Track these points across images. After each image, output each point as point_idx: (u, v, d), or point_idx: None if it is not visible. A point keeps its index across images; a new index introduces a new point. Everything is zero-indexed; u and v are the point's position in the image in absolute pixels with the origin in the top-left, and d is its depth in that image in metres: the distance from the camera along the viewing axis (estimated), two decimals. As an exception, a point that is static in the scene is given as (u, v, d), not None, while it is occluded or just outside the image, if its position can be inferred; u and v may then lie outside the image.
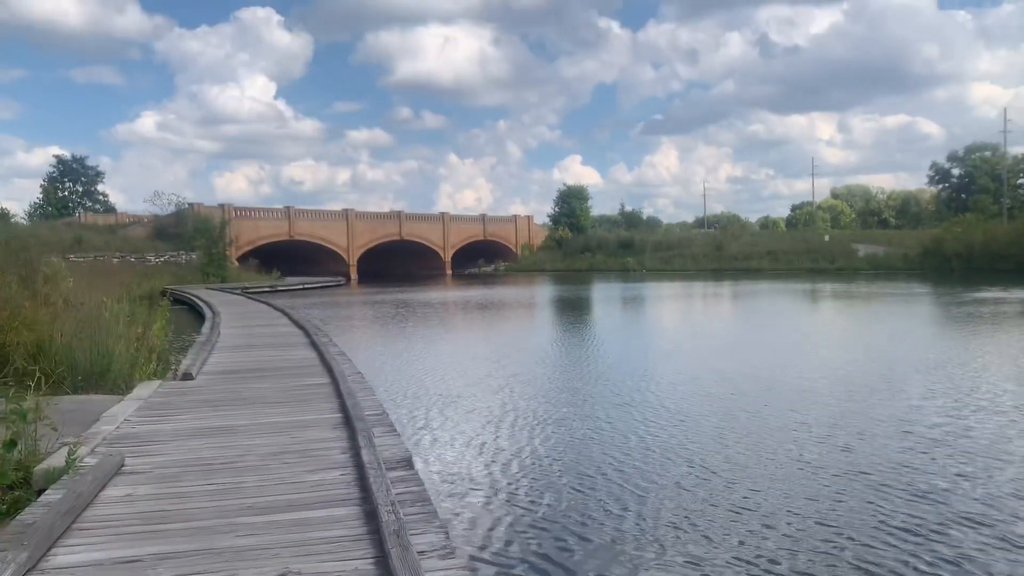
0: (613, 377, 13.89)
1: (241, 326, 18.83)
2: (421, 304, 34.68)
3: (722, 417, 10.26)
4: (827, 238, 69.01)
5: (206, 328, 18.13)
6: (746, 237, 78.92)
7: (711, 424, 9.89)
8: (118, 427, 7.20)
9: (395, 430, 7.06)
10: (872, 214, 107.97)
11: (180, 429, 7.19)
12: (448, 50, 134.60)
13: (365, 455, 5.68)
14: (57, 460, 5.63)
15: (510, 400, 11.75)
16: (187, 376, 10.13)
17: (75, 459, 5.53)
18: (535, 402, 11.61)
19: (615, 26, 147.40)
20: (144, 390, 9.20)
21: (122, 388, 9.30)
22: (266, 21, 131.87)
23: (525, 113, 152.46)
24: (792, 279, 51.07)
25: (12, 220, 55.91)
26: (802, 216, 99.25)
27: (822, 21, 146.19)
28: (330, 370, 10.50)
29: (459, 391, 12.55)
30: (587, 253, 76.44)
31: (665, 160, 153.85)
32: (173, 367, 10.43)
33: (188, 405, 8.41)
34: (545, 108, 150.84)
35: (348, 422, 7.13)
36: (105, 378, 9.20)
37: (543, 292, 44.05)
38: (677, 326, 24.74)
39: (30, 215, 61.34)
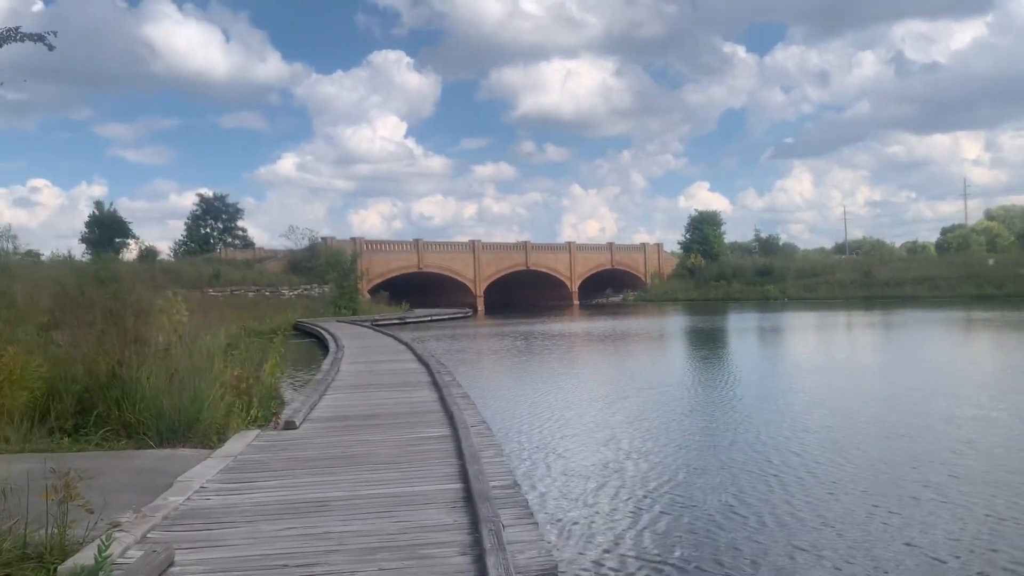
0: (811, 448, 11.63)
1: (363, 361, 17.71)
2: (548, 336, 33.00)
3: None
4: (992, 262, 62.70)
5: (327, 363, 17.10)
6: (895, 262, 73.09)
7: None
8: (189, 497, 5.79)
9: (530, 514, 5.30)
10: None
11: (262, 503, 5.70)
12: (570, 83, 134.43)
13: (492, 565, 3.94)
14: (89, 554, 4.19)
15: (667, 470, 9.61)
16: (289, 425, 8.78)
17: (107, 557, 4.06)
18: (704, 478, 9.32)
19: (740, 51, 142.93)
20: (237, 443, 7.88)
21: (213, 441, 8.01)
22: (397, 63, 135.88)
23: (649, 142, 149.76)
24: (958, 307, 46.18)
25: (159, 257, 58.51)
26: (955, 239, 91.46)
27: (963, 35, 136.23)
28: (451, 418, 8.90)
29: (601, 453, 10.62)
30: (722, 281, 72.71)
31: (798, 185, 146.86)
32: (275, 413, 9.12)
33: (282, 465, 6.97)
34: (670, 136, 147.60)
35: (470, 499, 5.43)
36: (194, 429, 7.95)
37: (678, 324, 41.44)
38: (846, 365, 21.90)
39: (175, 252, 64.16)
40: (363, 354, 19.79)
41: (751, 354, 24.47)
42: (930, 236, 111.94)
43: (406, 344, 21.98)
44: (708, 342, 30.29)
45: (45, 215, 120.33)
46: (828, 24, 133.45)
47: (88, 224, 61.60)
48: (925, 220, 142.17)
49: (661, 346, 28.95)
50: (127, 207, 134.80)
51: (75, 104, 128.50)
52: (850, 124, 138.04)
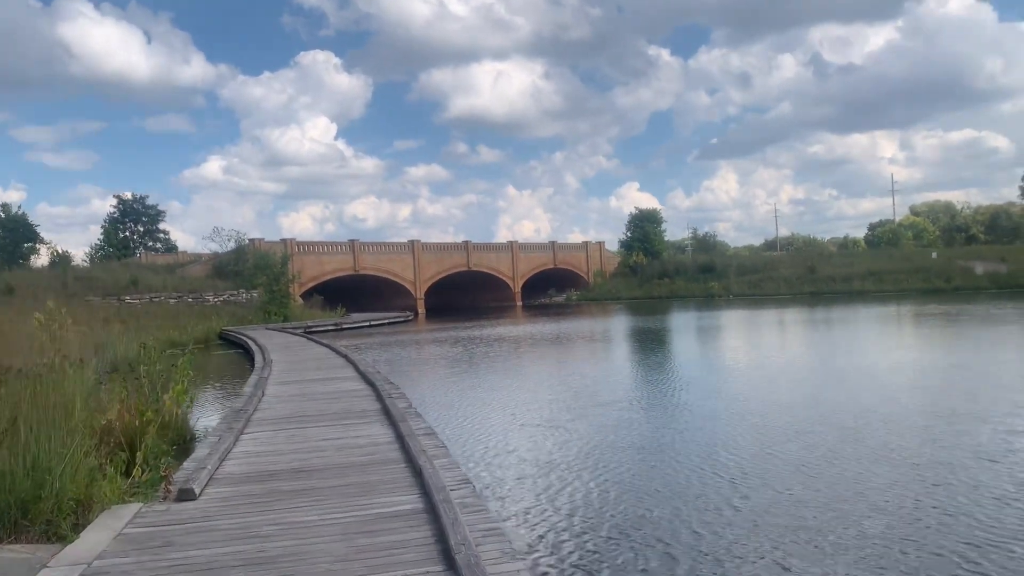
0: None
1: (295, 380, 14.95)
2: (498, 341, 30.54)
3: None
4: (935, 255, 62.74)
5: (249, 385, 14.26)
6: (838, 257, 72.97)
7: None
8: None
9: None
10: (959, 230, 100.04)
11: None
12: (501, 85, 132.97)
13: None
14: None
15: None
16: (185, 495, 6.11)
17: None
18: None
19: (665, 54, 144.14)
20: (99, 533, 5.21)
21: (64, 528, 5.30)
22: (325, 64, 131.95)
23: (580, 143, 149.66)
24: (913, 300, 45.42)
25: (72, 264, 54.00)
26: (884, 234, 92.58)
27: (876, 39, 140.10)
28: (420, 475, 6.36)
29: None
30: (665, 279, 71.36)
31: (724, 184, 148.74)
32: (165, 474, 6.41)
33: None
34: (600, 137, 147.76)
35: None
36: (34, 512, 5.24)
37: (630, 324, 39.41)
38: (824, 369, 19.97)
39: (91, 257, 59.52)
40: (294, 370, 16.98)
41: (715, 360, 22.41)
42: (852, 232, 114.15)
43: (345, 356, 19.22)
44: (661, 346, 28.25)
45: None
46: (749, 27, 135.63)
47: (-11, 227, 56.60)
48: (847, 217, 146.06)
49: (616, 355, 26.78)
50: (46, 213, 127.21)
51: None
52: (773, 125, 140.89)
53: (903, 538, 6.46)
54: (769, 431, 11.12)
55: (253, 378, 15.55)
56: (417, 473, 6.49)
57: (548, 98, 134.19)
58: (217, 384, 19.90)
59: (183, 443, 10.91)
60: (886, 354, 21.03)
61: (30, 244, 57.27)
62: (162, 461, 6.73)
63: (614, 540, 6.63)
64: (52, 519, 5.35)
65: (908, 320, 34.07)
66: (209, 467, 6.92)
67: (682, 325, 37.09)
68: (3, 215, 56.96)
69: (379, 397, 11.46)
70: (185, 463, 7.42)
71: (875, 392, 14.38)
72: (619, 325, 38.91)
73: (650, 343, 28.68)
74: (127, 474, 6.69)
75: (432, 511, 5.39)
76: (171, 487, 6.24)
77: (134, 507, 5.87)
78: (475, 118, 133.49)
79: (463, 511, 5.29)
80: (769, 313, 42.16)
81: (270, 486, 6.54)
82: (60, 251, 55.05)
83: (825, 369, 18.62)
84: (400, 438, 8.09)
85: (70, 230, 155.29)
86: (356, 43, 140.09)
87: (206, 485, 6.51)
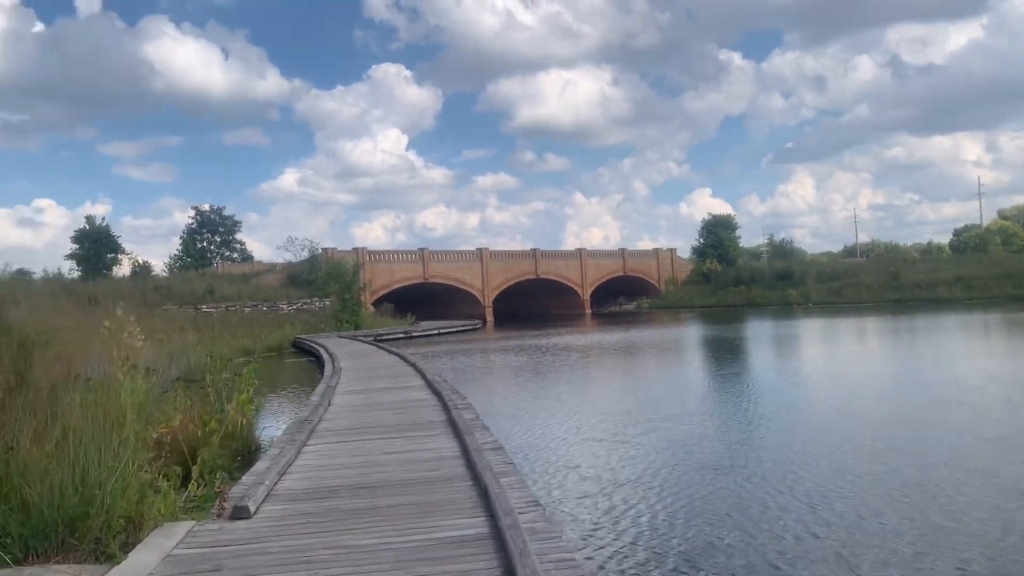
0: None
1: (362, 389, 14.73)
2: (566, 350, 29.97)
3: None
4: (1029, 260, 59.56)
5: (317, 394, 14.08)
6: (923, 263, 69.87)
7: None
8: None
9: None
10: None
11: None
12: (568, 93, 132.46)
13: None
14: None
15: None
16: (239, 513, 5.80)
17: None
18: None
19: (737, 58, 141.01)
20: (147, 555, 4.91)
21: (113, 547, 5.03)
22: (397, 77, 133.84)
23: (650, 150, 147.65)
24: (1005, 308, 43.01)
25: (152, 274, 55.64)
26: (971, 239, 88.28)
27: (958, 37, 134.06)
28: (486, 496, 5.92)
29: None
30: (740, 286, 69.52)
31: (800, 189, 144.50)
32: (220, 489, 6.08)
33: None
34: (670, 143, 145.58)
35: None
36: (82, 529, 4.99)
37: (704, 333, 38.30)
38: (912, 381, 18.80)
39: (169, 268, 61.25)
40: (363, 378, 16.80)
41: (793, 371, 21.36)
42: (934, 237, 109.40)
43: (413, 365, 18.99)
44: (736, 356, 27.21)
45: (50, 235, 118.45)
46: (823, 29, 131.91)
47: (76, 239, 58.68)
48: (928, 222, 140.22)
49: (688, 365, 25.91)
50: (131, 225, 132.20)
51: (79, 124, 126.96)
52: (850, 128, 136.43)
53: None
54: (853, 449, 10.34)
55: (321, 387, 15.40)
56: (483, 493, 6.04)
57: (616, 105, 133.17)
58: (288, 392, 19.91)
59: (248, 453, 10.73)
60: (978, 366, 19.72)
61: (112, 255, 59.21)
62: (217, 476, 6.42)
63: (682, 573, 6.06)
64: (101, 537, 5.08)
65: (1001, 329, 32.17)
66: (267, 482, 6.61)
67: (759, 334, 35.85)
68: (88, 227, 59.04)
69: (445, 407, 11.08)
70: (244, 477, 7.14)
71: (968, 407, 13.35)
72: (692, 334, 37.89)
73: (724, 353, 27.70)
74: (187, 485, 6.44)
75: (498, 537, 4.93)
76: (226, 504, 5.93)
77: (186, 525, 5.58)
78: (542, 126, 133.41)
79: (532, 538, 4.81)
80: (851, 322, 40.51)
81: (329, 504, 6.19)
82: (140, 262, 56.71)
83: (913, 382, 17.51)
84: (466, 452, 7.67)
85: (152, 242, 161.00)
86: (426, 56, 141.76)
87: (263, 502, 6.19)
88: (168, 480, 6.14)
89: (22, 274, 53.90)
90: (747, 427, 12.35)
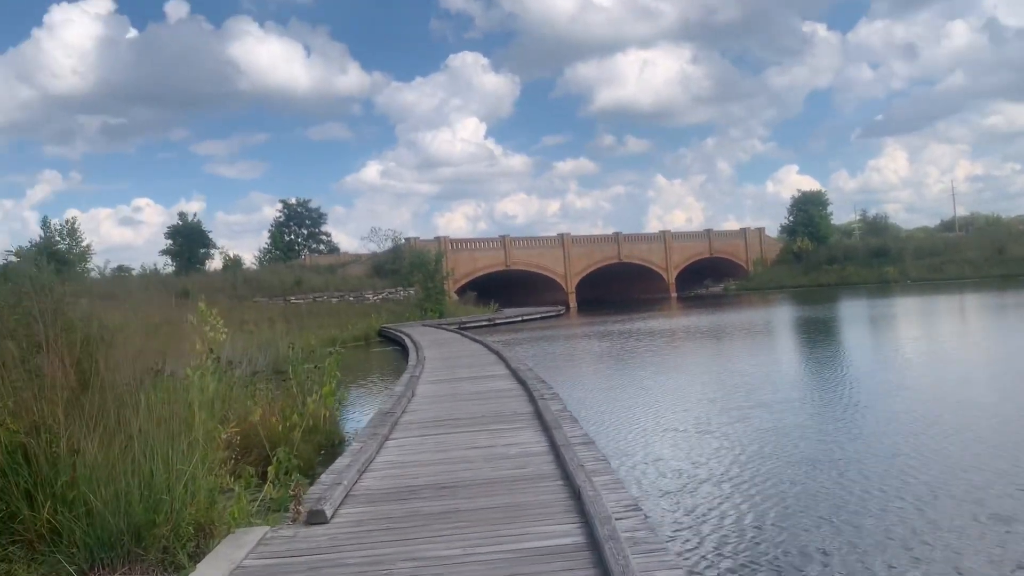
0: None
1: (445, 379, 14.40)
2: (650, 335, 29.12)
3: None
4: None
5: (400, 384, 13.80)
6: (1033, 236, 65.63)
7: None
8: None
9: None
10: None
11: None
12: (647, 73, 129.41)
13: None
14: None
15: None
16: (315, 517, 5.43)
17: None
18: None
19: (822, 29, 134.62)
20: (216, 566, 4.57)
21: (181, 557, 4.73)
22: (474, 66, 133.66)
23: (733, 128, 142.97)
24: None
25: (243, 267, 57.07)
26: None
27: None
28: (579, 498, 5.40)
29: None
30: (833, 265, 66.74)
31: (892, 163, 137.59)
32: (295, 492, 5.71)
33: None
34: (754, 121, 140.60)
35: None
36: (148, 538, 4.70)
37: (796, 315, 36.70)
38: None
39: (259, 260, 62.75)
40: (446, 368, 16.51)
41: (896, 354, 20.00)
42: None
43: (496, 353, 18.60)
44: (831, 338, 25.84)
45: (149, 232, 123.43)
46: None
47: (169, 235, 60.72)
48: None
49: (780, 349, 24.74)
50: (224, 220, 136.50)
51: (172, 125, 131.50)
52: (944, 97, 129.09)
53: None
54: (964, 441, 9.37)
55: (405, 377, 15.15)
56: (575, 495, 5.51)
57: (697, 83, 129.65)
58: (373, 381, 19.84)
59: (332, 447, 10.51)
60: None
61: (204, 250, 61.01)
62: (292, 477, 6.07)
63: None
64: (169, 546, 4.78)
65: None
66: (346, 482, 6.24)
67: (856, 315, 34.13)
68: (180, 223, 61.00)
69: (531, 398, 10.59)
70: (323, 475, 6.81)
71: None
72: (783, 316, 36.41)
73: (819, 335, 26.36)
74: (267, 480, 6.13)
75: (596, 548, 4.40)
76: (301, 507, 5.57)
77: (260, 531, 5.24)
78: (621, 109, 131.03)
79: (634, 550, 4.26)
80: (954, 299, 38.26)
81: (410, 506, 5.77)
82: (231, 255, 58.21)
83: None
84: (554, 448, 7.15)
85: (244, 236, 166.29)
86: (502, 43, 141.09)
87: (340, 504, 5.82)
88: (242, 481, 5.83)
89: (122, 271, 56.24)
90: (843, 416, 11.43)
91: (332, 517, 5.51)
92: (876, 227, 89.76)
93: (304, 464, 9.35)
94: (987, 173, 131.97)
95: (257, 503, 5.87)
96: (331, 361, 11.07)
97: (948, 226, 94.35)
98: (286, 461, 6.26)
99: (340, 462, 7.29)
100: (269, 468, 6.33)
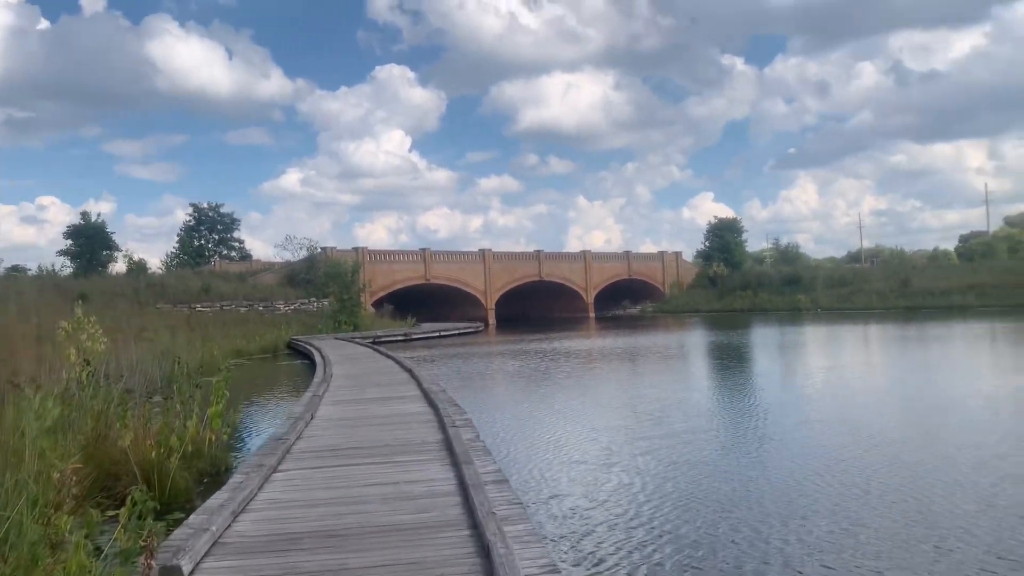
0: None
1: (352, 399, 13.43)
2: (567, 356, 28.67)
3: None
4: (1046, 268, 58.17)
5: (300, 406, 12.74)
6: (932, 270, 68.46)
7: None
8: None
9: None
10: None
11: None
12: (571, 96, 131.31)
13: None
14: None
15: None
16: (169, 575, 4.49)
17: None
18: None
19: (740, 63, 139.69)
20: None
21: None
22: (400, 79, 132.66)
23: (652, 154, 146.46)
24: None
25: (148, 271, 54.32)
26: (978, 246, 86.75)
27: (961, 45, 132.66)
28: (487, 552, 4.63)
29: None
30: (747, 291, 68.11)
31: (802, 195, 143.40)
32: (147, 541, 4.74)
33: None
34: (673, 148, 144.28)
35: None
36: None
37: (711, 340, 36.92)
38: (945, 396, 17.46)
39: (166, 265, 59.88)
40: (354, 387, 15.51)
41: (812, 383, 20.00)
42: (938, 244, 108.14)
43: (409, 371, 17.69)
44: (747, 364, 25.89)
45: (53, 232, 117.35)
46: (826, 35, 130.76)
47: (69, 235, 57.39)
48: (932, 229, 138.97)
49: (695, 374, 24.60)
50: (134, 223, 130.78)
51: (84, 122, 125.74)
52: (852, 134, 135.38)
53: None
54: (880, 477, 9.03)
55: (307, 395, 14.09)
56: (485, 551, 4.72)
57: (619, 109, 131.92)
58: (277, 397, 18.64)
59: (217, 475, 9.46)
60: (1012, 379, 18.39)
61: (107, 252, 57.94)
62: (145, 522, 5.08)
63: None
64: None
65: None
66: (215, 527, 5.30)
67: (770, 342, 34.49)
68: (83, 223, 57.77)
69: (441, 424, 9.77)
70: (191, 517, 5.83)
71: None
72: (698, 340, 36.53)
73: (734, 361, 26.35)
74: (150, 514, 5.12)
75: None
76: (154, 561, 4.61)
77: (98, 594, 4.28)
78: (546, 130, 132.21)
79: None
80: (865, 329, 39.20)
81: (288, 561, 4.87)
82: (135, 259, 55.36)
83: (946, 397, 16.14)
84: (463, 487, 6.36)
85: (155, 240, 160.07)
86: (430, 58, 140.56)
87: (204, 557, 4.89)
88: (84, 527, 4.82)
89: (16, 271, 52.74)
90: (757, 449, 11.01)
91: (191, 575, 4.58)
92: (788, 256, 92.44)
93: (182, 496, 8.33)
94: (890, 208, 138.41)
95: (103, 556, 4.88)
96: (220, 379, 9.99)
97: (855, 257, 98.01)
98: (141, 502, 5.25)
99: (215, 499, 6.31)
100: (122, 510, 5.32)
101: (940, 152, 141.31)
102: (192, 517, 5.82)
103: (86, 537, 4.77)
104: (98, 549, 5.30)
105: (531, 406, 16.33)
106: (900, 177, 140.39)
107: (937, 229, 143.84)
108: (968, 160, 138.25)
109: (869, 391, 17.32)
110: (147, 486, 8.12)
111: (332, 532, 5.45)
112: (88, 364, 10.60)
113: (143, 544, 4.67)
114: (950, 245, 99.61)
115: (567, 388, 19.31)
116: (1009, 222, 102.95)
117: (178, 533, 5.35)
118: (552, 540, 6.75)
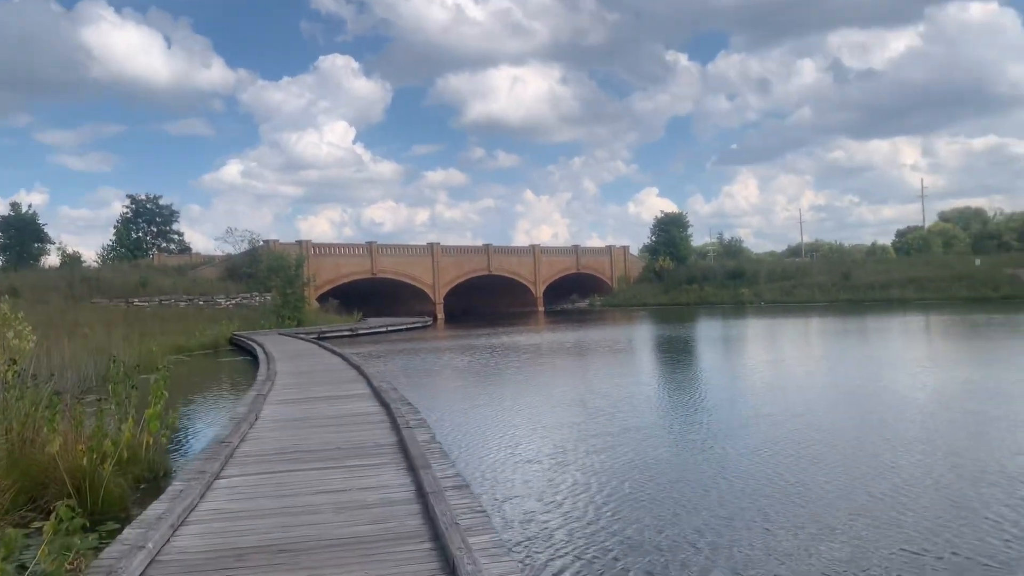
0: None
1: (298, 399, 12.90)
2: (516, 351, 28.43)
3: None
4: (978, 262, 59.93)
5: (243, 406, 12.18)
6: (872, 264, 70.14)
7: None
8: None
9: None
10: (990, 237, 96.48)
11: None
12: (518, 90, 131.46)
13: None
14: None
15: None
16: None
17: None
18: None
19: (683, 59, 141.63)
20: None
21: None
22: (344, 69, 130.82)
23: (598, 148, 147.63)
24: (963, 310, 42.71)
25: (83, 264, 52.41)
26: (914, 241, 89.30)
27: (897, 44, 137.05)
28: (453, 570, 4.29)
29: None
30: (693, 285, 68.85)
31: (744, 190, 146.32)
32: (74, 562, 4.27)
33: None
34: (618, 143, 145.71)
35: None
36: None
37: (658, 333, 37.08)
38: (893, 388, 17.66)
39: (103, 259, 57.85)
40: (300, 385, 14.96)
41: (760, 377, 20.11)
42: (874, 239, 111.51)
43: (357, 368, 17.20)
44: (692, 358, 26.01)
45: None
46: (768, 32, 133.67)
47: (-3, 227, 55.07)
48: (868, 224, 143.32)
49: (642, 368, 24.60)
50: (68, 215, 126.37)
51: (13, 110, 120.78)
52: (792, 130, 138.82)
53: None
54: (834, 471, 8.97)
55: (250, 395, 13.51)
56: (450, 568, 4.38)
57: (565, 103, 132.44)
58: (218, 396, 17.97)
59: (155, 480, 8.91)
60: (965, 371, 18.71)
61: (39, 244, 55.74)
62: (76, 539, 4.61)
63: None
64: None
65: (974, 331, 31.45)
66: (151, 544, 4.85)
67: (715, 335, 34.74)
68: (12, 214, 55.44)
69: (395, 425, 9.37)
70: (125, 531, 5.34)
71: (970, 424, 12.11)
72: (645, 334, 36.65)
73: (680, 355, 26.41)
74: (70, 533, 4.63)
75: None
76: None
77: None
78: (492, 123, 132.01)
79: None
80: (809, 322, 39.81)
81: (232, 580, 4.46)
82: (69, 252, 53.35)
83: (895, 388, 16.30)
84: (422, 495, 5.99)
85: (90, 232, 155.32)
86: (374, 48, 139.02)
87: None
88: (2, 548, 4.34)
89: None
90: (704, 442, 10.88)
91: (122, 603, 4.14)
92: (731, 250, 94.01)
93: (117, 505, 7.79)
94: (829, 204, 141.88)
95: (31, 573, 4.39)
96: (158, 378, 9.41)
97: (795, 252, 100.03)
98: (68, 519, 4.77)
99: (152, 511, 5.82)
100: (46, 526, 4.83)
101: (876, 149, 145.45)
102: (127, 531, 5.34)
103: (4, 559, 4.30)
104: (22, 567, 4.82)
105: (483, 403, 15.99)
106: (838, 173, 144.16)
107: (873, 224, 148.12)
108: (903, 157, 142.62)
109: (826, 386, 17.40)
110: (78, 495, 7.59)
111: (282, 546, 5.04)
112: (15, 363, 9.93)
113: (69, 568, 4.23)
114: (887, 240, 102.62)
115: (517, 384, 19.03)
116: (943, 217, 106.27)
117: (111, 550, 4.89)
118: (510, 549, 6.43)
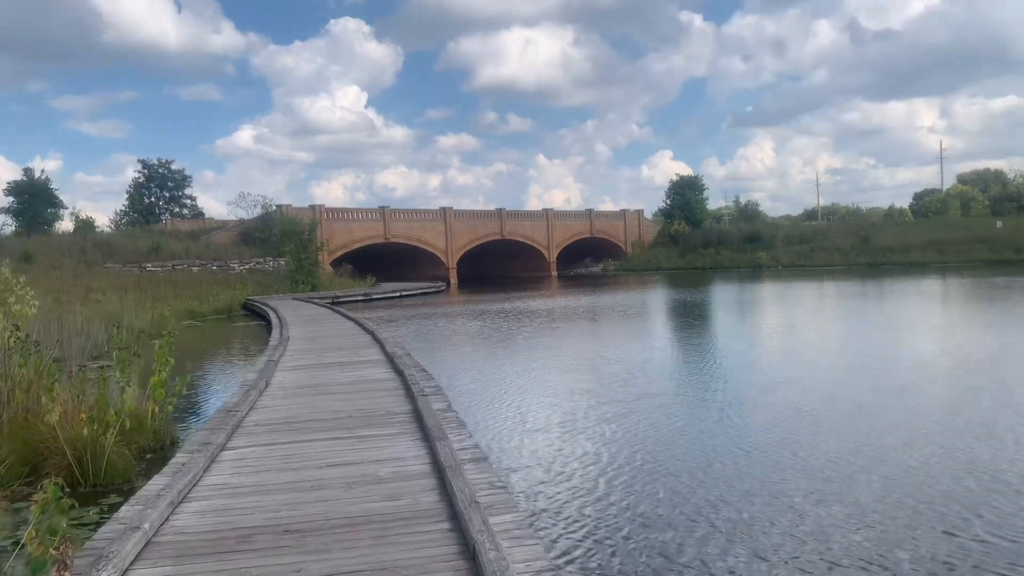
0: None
1: (310, 365, 12.57)
2: (530, 316, 28.04)
3: None
4: (999, 224, 58.86)
5: (255, 371, 11.87)
6: (890, 227, 69.05)
7: None
8: None
9: None
10: (1010, 199, 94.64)
11: None
12: (530, 53, 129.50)
13: None
14: None
15: None
16: (84, 594, 3.70)
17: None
18: None
19: (698, 20, 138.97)
20: None
21: None
22: (356, 33, 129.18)
23: (611, 111, 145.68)
24: (989, 272, 41.88)
25: (96, 229, 52.29)
26: (932, 204, 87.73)
27: (916, 4, 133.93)
28: (473, 555, 3.92)
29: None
30: (708, 249, 68.10)
31: (759, 153, 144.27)
32: (61, 545, 3.98)
33: None
34: (632, 106, 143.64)
35: None
36: None
37: (673, 297, 36.55)
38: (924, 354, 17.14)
39: (115, 224, 57.71)
40: (312, 351, 14.64)
41: (783, 343, 19.62)
42: (891, 201, 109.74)
43: (371, 333, 16.87)
44: (709, 322, 25.53)
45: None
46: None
47: (10, 192, 54.89)
48: (884, 187, 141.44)
49: (657, 334, 24.14)
50: (83, 181, 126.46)
51: (28, 76, 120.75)
52: (808, 92, 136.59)
53: None
54: (856, 440, 8.56)
55: (262, 360, 13.21)
56: (470, 554, 4.01)
57: (578, 66, 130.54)
58: (231, 361, 17.71)
59: (161, 450, 8.62)
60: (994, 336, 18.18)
61: (52, 210, 55.63)
62: (62, 523, 4.26)
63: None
64: None
65: (998, 292, 30.74)
66: (147, 525, 4.50)
67: (733, 299, 34.22)
68: (25, 179, 55.28)
69: (409, 392, 9.01)
70: (122, 509, 5.01)
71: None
72: (660, 299, 36.14)
73: (696, 320, 25.95)
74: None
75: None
76: (68, 572, 3.82)
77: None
78: (504, 87, 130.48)
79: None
80: (829, 286, 39.16)
81: (237, 566, 4.11)
82: (83, 217, 53.21)
83: (926, 355, 15.80)
84: (438, 468, 5.63)
85: (106, 198, 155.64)
86: (386, 11, 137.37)
87: (133, 564, 4.10)
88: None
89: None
90: (721, 408, 10.47)
91: (112, 592, 3.79)
92: (747, 214, 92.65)
93: (120, 477, 7.50)
94: (845, 166, 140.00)
95: (7, 566, 4.06)
96: (163, 343, 9.06)
97: (811, 215, 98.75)
98: (54, 496, 4.42)
99: (152, 486, 5.48)
100: (33, 507, 4.48)
101: (893, 110, 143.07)
102: (123, 509, 5.00)
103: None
104: (18, 544, 4.49)
105: (496, 368, 15.63)
106: (854, 135, 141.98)
107: (889, 187, 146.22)
108: (921, 118, 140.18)
109: (857, 352, 16.91)
110: (79, 466, 7.29)
111: (288, 527, 4.69)
112: (18, 329, 9.61)
113: (54, 552, 3.87)
114: (903, 202, 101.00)
115: (530, 350, 18.66)
116: (962, 179, 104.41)
117: (104, 531, 4.55)
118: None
